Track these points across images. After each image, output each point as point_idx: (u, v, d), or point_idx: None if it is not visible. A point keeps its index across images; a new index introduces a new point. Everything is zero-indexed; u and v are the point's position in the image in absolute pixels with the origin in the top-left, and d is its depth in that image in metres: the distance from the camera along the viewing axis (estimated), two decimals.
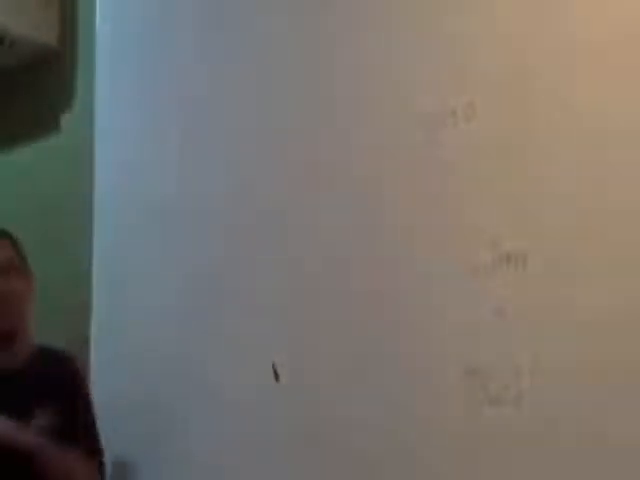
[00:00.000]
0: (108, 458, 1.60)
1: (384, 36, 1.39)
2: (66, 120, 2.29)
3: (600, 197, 1.10)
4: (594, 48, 1.13)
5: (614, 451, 1.06)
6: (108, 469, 1.61)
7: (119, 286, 1.92)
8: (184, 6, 1.81)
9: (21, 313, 1.59)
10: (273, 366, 1.50)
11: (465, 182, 1.25)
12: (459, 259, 1.24)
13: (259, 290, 1.56)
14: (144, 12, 1.95)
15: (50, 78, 2.36)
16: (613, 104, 1.11)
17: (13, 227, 2.42)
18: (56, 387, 1.55)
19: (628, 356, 1.06)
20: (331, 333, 1.42)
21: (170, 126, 1.81)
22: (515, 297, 1.18)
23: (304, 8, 1.53)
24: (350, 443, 1.36)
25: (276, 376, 1.49)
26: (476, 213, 1.23)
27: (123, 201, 1.95)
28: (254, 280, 1.57)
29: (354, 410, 1.36)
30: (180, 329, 1.66)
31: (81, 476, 1.52)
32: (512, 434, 1.16)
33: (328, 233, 1.44)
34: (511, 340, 1.17)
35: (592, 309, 1.10)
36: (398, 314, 1.32)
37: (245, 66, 1.64)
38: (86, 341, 1.90)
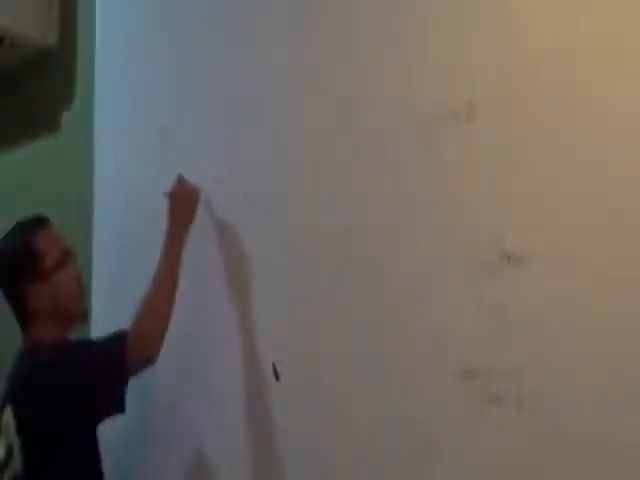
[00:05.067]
0: (108, 459, 1.59)
1: (384, 36, 1.39)
2: (66, 120, 2.29)
3: (601, 197, 1.10)
4: (595, 47, 1.13)
5: (614, 451, 1.06)
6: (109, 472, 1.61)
7: (119, 286, 1.92)
8: (184, 6, 1.81)
9: None
10: (273, 366, 1.50)
11: (465, 182, 1.25)
12: (459, 259, 1.24)
13: (259, 290, 1.56)
14: (144, 12, 1.95)
15: (50, 78, 2.37)
16: (614, 103, 1.10)
17: None
18: None
19: (628, 356, 1.06)
20: (331, 333, 1.42)
21: (170, 126, 1.81)
22: (515, 297, 1.17)
23: (304, 8, 1.53)
24: (350, 443, 1.37)
25: (276, 376, 1.49)
26: (476, 213, 1.23)
27: (123, 201, 1.95)
28: (254, 280, 1.57)
29: (353, 410, 1.36)
30: (179, 329, 1.66)
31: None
32: (512, 434, 1.16)
33: (328, 232, 1.44)
34: (511, 340, 1.17)
35: (592, 309, 1.10)
36: (398, 314, 1.32)
37: (246, 66, 1.64)
38: None
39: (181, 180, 1.65)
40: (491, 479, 1.18)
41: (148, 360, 1.48)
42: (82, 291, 1.60)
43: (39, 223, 1.55)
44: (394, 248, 1.34)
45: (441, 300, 1.26)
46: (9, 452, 1.38)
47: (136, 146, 1.92)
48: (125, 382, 1.44)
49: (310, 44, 1.52)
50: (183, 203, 1.62)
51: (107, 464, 1.55)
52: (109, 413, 1.47)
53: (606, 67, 1.12)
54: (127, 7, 2.00)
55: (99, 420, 1.48)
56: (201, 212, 1.67)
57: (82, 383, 1.41)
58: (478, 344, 1.21)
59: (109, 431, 1.58)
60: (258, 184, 1.58)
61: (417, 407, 1.28)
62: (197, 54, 1.77)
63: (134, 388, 1.50)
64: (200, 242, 1.67)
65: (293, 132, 1.52)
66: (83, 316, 1.61)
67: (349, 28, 1.45)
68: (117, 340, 1.45)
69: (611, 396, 1.07)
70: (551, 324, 1.13)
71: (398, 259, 1.33)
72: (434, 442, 1.25)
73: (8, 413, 1.40)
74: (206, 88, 1.73)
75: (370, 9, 1.41)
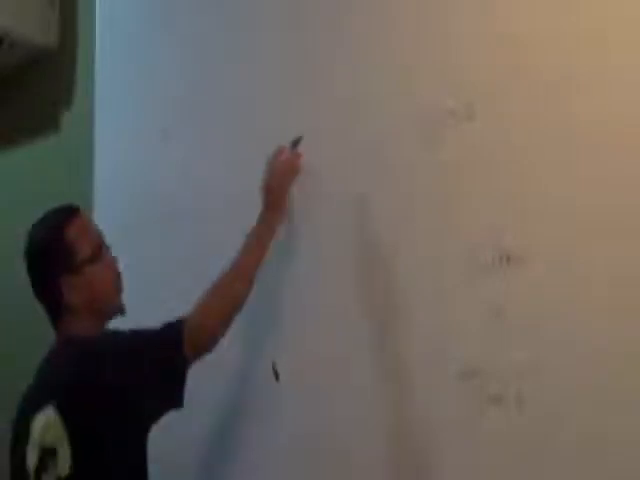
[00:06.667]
0: None
1: (383, 36, 1.39)
2: (66, 120, 2.30)
3: (600, 197, 1.10)
4: (595, 46, 1.13)
5: (614, 451, 1.06)
6: None
7: None
8: (184, 6, 1.81)
9: None
10: (273, 366, 1.50)
11: (465, 182, 1.25)
12: (459, 259, 1.24)
13: (259, 289, 1.56)
14: (144, 12, 1.96)
15: (50, 79, 2.37)
16: (614, 104, 1.10)
17: (12, 227, 2.42)
18: None
19: (628, 356, 1.06)
20: (331, 333, 1.42)
21: (170, 126, 1.81)
22: (515, 297, 1.18)
23: (304, 8, 1.53)
24: (349, 443, 1.37)
25: (276, 376, 1.49)
26: (476, 213, 1.23)
27: (123, 201, 1.95)
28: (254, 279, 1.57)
29: (353, 410, 1.37)
30: None
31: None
32: (512, 434, 1.16)
33: (327, 232, 1.44)
34: (511, 340, 1.17)
35: (592, 309, 1.10)
36: (398, 314, 1.32)
37: (245, 66, 1.64)
38: None
39: (284, 151, 1.48)
40: (491, 479, 1.18)
41: (205, 348, 1.38)
42: (119, 285, 1.47)
43: (70, 213, 1.43)
44: (394, 248, 1.34)
45: (441, 300, 1.26)
46: (45, 455, 1.26)
47: (136, 146, 1.92)
48: (184, 374, 1.34)
49: (310, 44, 1.52)
50: (282, 178, 1.47)
51: None
52: (168, 409, 1.36)
53: (606, 68, 1.12)
54: (127, 7, 2.01)
55: (157, 417, 1.35)
56: (202, 213, 1.66)
57: (138, 380, 1.29)
58: (478, 344, 1.21)
59: None
60: (258, 184, 1.58)
61: (417, 407, 1.28)
62: (197, 54, 1.77)
63: None
64: (200, 242, 1.67)
65: (293, 132, 1.52)
66: (119, 311, 1.46)
67: (349, 28, 1.45)
68: (173, 330, 1.35)
69: (611, 396, 1.07)
70: (550, 324, 1.13)
71: (398, 259, 1.33)
72: (434, 442, 1.25)
73: (48, 415, 1.27)
74: (206, 88, 1.73)
75: (370, 9, 1.41)
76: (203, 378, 1.64)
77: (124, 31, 2.01)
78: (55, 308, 1.40)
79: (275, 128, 1.56)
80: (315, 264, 1.46)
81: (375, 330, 1.35)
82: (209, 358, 1.63)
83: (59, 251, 1.38)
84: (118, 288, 1.46)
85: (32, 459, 1.28)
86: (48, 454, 1.26)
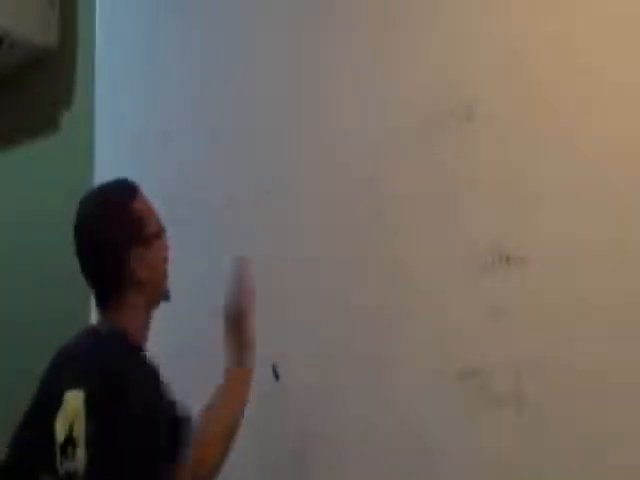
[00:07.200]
0: None
1: (383, 36, 1.39)
2: (66, 120, 2.29)
3: (600, 198, 1.10)
4: (594, 46, 1.13)
5: (614, 451, 1.06)
6: None
7: None
8: (184, 7, 1.81)
9: None
10: (273, 366, 1.50)
11: (465, 182, 1.25)
12: (459, 259, 1.24)
13: (260, 290, 1.56)
14: (143, 13, 1.95)
15: (50, 79, 2.37)
16: (612, 104, 1.11)
17: (12, 227, 2.42)
18: None
19: (627, 356, 1.06)
20: (331, 333, 1.42)
21: (170, 126, 1.81)
22: (514, 297, 1.18)
23: (304, 8, 1.53)
24: (349, 443, 1.37)
25: (276, 376, 1.49)
26: (476, 213, 1.24)
27: None
28: (255, 279, 1.57)
29: (353, 410, 1.37)
30: (180, 330, 1.66)
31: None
32: (512, 434, 1.16)
33: (328, 232, 1.44)
34: (511, 340, 1.17)
35: (592, 309, 1.10)
36: (398, 314, 1.32)
37: (245, 65, 1.64)
38: None
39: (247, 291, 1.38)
40: (491, 478, 1.18)
41: None
42: (167, 270, 1.37)
43: (134, 188, 1.33)
44: (394, 248, 1.34)
45: (441, 300, 1.26)
46: (68, 441, 1.18)
47: (136, 146, 1.92)
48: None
49: (310, 44, 1.52)
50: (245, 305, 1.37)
51: None
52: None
53: (605, 68, 1.12)
54: (127, 7, 2.01)
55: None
56: (202, 214, 1.67)
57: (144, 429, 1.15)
58: (478, 344, 1.21)
59: None
60: (258, 184, 1.58)
61: (417, 407, 1.28)
62: (197, 53, 1.77)
63: None
64: (200, 242, 1.67)
65: (293, 132, 1.52)
66: (166, 297, 1.37)
67: (349, 29, 1.45)
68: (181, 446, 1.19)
69: (611, 396, 1.07)
70: (550, 324, 1.13)
71: (398, 259, 1.33)
72: (434, 442, 1.25)
73: (76, 398, 1.19)
74: (206, 87, 1.73)
75: (370, 10, 1.41)
76: (203, 378, 1.64)
77: (124, 31, 2.01)
78: (114, 281, 1.28)
79: (275, 128, 1.56)
80: (315, 264, 1.46)
81: (375, 330, 1.35)
82: (209, 358, 1.64)
83: (130, 221, 1.28)
84: (167, 273, 1.37)
85: (61, 436, 1.20)
86: (69, 443, 1.19)
